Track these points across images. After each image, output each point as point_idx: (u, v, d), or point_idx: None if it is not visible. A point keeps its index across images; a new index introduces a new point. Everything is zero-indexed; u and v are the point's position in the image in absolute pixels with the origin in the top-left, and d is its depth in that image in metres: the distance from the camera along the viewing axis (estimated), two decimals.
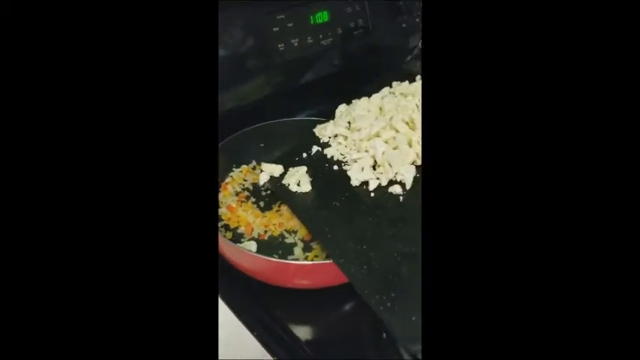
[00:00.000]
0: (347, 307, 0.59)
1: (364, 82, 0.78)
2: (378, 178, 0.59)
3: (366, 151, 0.62)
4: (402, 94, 0.70)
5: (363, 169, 0.60)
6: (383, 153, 0.59)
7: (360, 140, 0.63)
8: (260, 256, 0.52)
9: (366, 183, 0.60)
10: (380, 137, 0.61)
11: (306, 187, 0.62)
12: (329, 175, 0.64)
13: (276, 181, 0.65)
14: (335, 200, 0.59)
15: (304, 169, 0.65)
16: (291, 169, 0.66)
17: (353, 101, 0.74)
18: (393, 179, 0.59)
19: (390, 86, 0.75)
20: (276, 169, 0.65)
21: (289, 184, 0.63)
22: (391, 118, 0.64)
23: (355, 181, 0.60)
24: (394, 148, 0.60)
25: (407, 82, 0.73)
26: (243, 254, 0.54)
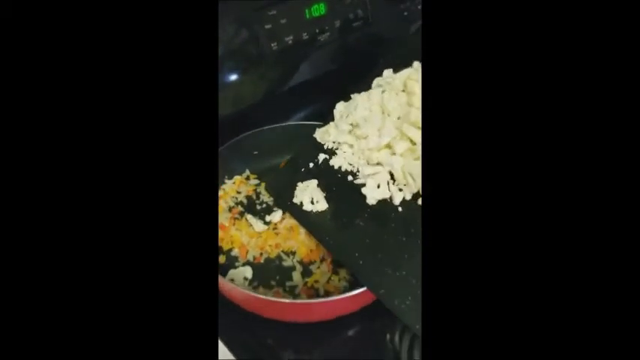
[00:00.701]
0: (345, 335, 0.55)
1: (366, 78, 0.72)
2: (401, 190, 0.52)
3: (378, 163, 0.54)
4: (391, 89, 0.59)
5: (379, 185, 0.53)
6: (402, 167, 0.52)
7: (370, 150, 0.56)
8: (254, 294, 0.48)
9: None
10: (392, 149, 0.53)
11: (321, 204, 0.55)
12: (344, 188, 0.55)
13: (286, 200, 0.57)
14: (357, 218, 0.52)
15: (314, 182, 0.57)
16: (299, 183, 0.58)
17: (352, 96, 0.64)
18: (419, 192, 0.51)
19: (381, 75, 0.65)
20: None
21: (302, 203, 0.56)
22: (399, 118, 0.56)
23: (372, 200, 0.52)
24: (415, 159, 0.51)
25: (391, 70, 0.63)
26: (236, 291, 0.50)
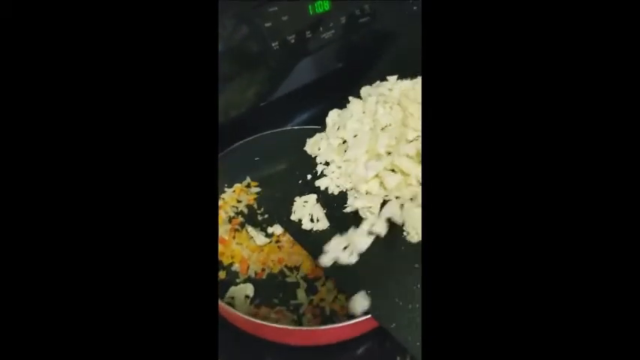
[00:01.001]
0: (354, 354, 0.51)
1: (369, 79, 0.68)
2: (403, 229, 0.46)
3: (367, 192, 0.48)
4: (385, 101, 0.54)
5: (369, 233, 0.46)
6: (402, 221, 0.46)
7: (357, 177, 0.50)
8: (256, 320, 0.44)
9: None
10: (381, 180, 0.48)
11: (322, 223, 0.50)
12: (346, 204, 0.50)
13: (283, 216, 0.53)
14: None
15: (314, 197, 0.52)
16: (297, 198, 0.53)
17: (350, 99, 0.59)
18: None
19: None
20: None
21: (301, 221, 0.51)
22: (395, 137, 0.50)
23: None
24: (416, 207, 0.45)
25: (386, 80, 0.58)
26: (237, 316, 0.46)
